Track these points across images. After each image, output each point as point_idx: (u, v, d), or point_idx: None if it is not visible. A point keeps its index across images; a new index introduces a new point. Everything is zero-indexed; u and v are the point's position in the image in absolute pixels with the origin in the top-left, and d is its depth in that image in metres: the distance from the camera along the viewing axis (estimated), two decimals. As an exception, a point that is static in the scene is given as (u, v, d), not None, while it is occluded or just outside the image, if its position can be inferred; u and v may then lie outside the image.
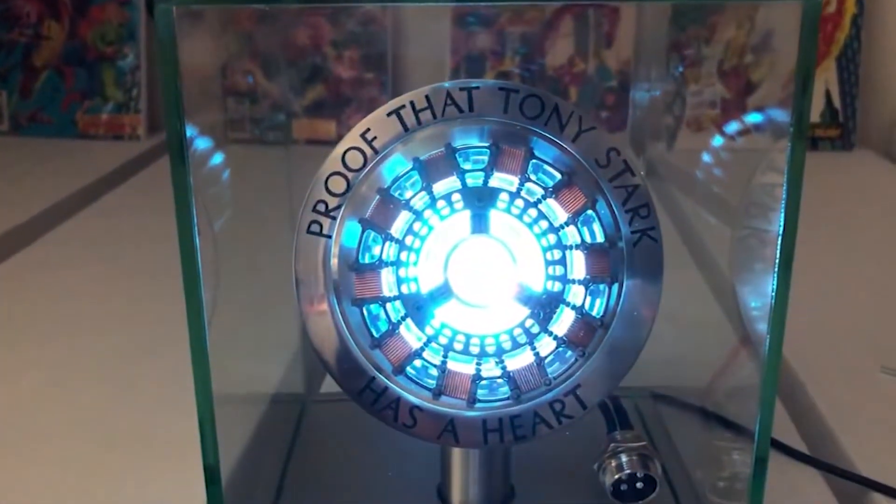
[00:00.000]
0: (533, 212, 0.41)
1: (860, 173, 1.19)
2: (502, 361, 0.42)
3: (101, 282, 0.85)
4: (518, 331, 0.42)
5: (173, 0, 0.37)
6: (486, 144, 0.41)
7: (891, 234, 0.97)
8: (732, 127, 0.58)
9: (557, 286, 0.42)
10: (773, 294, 0.40)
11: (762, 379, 0.41)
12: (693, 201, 0.61)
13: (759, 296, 0.42)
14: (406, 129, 0.42)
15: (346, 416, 0.55)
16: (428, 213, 0.41)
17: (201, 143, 0.43)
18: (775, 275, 0.39)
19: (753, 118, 0.53)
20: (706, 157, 0.60)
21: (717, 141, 0.60)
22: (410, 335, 0.43)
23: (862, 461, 0.55)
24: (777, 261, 0.39)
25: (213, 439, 0.42)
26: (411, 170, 0.42)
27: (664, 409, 0.59)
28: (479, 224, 0.41)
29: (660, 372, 0.58)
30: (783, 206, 0.38)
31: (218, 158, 0.48)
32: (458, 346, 0.42)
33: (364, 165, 0.42)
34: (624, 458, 0.49)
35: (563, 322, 0.42)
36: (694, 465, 0.53)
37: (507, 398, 0.43)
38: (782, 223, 0.39)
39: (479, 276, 0.42)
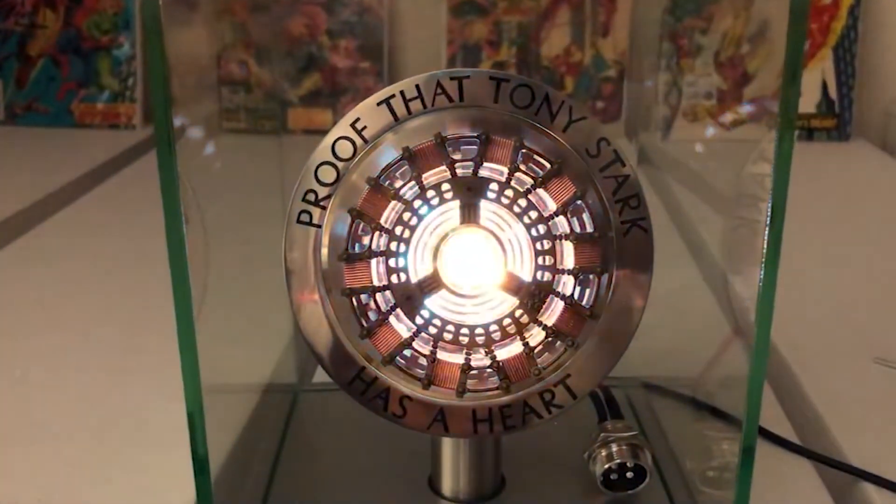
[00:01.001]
0: (523, 202, 0.41)
1: (856, 164, 1.19)
2: (492, 351, 0.42)
3: (96, 271, 0.84)
4: (508, 321, 0.42)
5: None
6: (476, 134, 0.41)
7: (886, 224, 0.97)
8: (727, 117, 0.58)
9: (547, 276, 0.42)
10: (761, 283, 0.40)
11: (750, 369, 0.41)
12: (688, 191, 0.61)
13: (750, 286, 0.42)
14: (396, 118, 0.42)
15: (338, 406, 0.55)
16: (418, 203, 0.41)
17: (194, 133, 0.43)
18: (763, 264, 0.39)
19: (748, 108, 0.53)
20: (701, 147, 0.60)
21: (712, 131, 0.60)
22: (400, 325, 0.42)
23: (853, 451, 0.55)
24: (765, 250, 0.39)
25: (202, 430, 0.42)
26: (401, 159, 0.41)
27: (655, 399, 0.59)
28: (469, 214, 0.41)
29: (651, 362, 0.58)
30: (771, 195, 0.38)
31: (211, 148, 0.48)
32: (448, 336, 0.42)
33: (354, 155, 0.42)
34: (614, 448, 0.49)
35: (553, 312, 0.42)
36: (684, 454, 0.53)
37: (497, 388, 0.42)
38: (770, 213, 0.39)
39: (469, 265, 0.42)
